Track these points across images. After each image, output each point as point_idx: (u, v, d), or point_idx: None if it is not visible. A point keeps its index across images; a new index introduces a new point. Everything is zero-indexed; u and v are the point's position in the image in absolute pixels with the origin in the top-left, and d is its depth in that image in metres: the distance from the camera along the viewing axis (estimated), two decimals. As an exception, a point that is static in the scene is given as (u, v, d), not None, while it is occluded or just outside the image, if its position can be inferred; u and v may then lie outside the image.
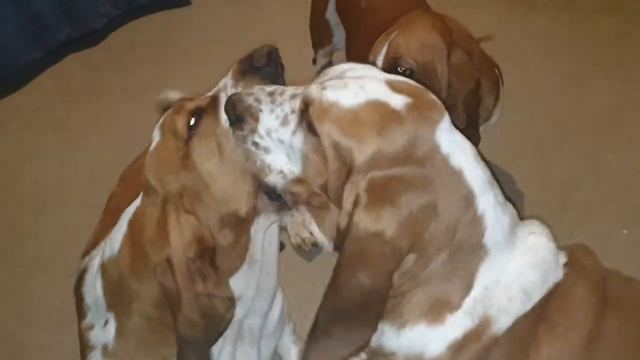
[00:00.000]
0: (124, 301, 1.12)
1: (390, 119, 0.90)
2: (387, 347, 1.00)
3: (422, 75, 1.50)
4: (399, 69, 1.50)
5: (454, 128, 0.96)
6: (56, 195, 2.09)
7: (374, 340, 0.99)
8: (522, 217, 1.08)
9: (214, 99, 1.11)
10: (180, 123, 1.08)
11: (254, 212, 1.08)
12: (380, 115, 0.90)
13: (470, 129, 1.57)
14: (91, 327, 1.18)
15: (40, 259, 1.88)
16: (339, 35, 2.11)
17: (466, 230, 0.93)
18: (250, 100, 0.99)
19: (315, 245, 1.78)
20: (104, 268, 1.15)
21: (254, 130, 0.99)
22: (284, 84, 1.10)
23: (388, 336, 1.00)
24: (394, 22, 1.62)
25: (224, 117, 1.05)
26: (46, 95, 2.55)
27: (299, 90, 0.98)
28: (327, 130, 0.91)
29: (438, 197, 0.90)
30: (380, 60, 1.54)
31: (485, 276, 0.96)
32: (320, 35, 2.20)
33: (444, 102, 0.98)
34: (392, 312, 0.99)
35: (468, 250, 0.95)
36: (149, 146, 1.50)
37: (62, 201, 2.07)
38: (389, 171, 0.89)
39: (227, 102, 1.01)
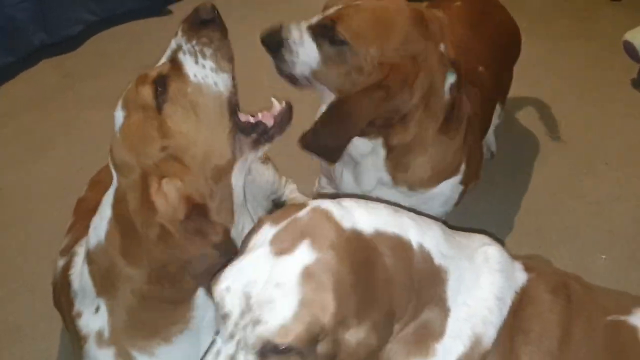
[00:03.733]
0: (115, 285, 1.10)
1: None
2: None
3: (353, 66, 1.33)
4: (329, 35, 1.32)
5: None
6: (21, 205, 2.02)
7: None
8: (469, 230, 1.10)
9: (174, 62, 1.13)
10: (147, 94, 1.09)
11: (234, 158, 1.12)
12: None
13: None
14: (79, 315, 1.17)
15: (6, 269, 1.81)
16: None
17: (425, 280, 0.94)
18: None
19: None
20: (90, 257, 1.14)
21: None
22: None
23: None
24: None
25: (191, 73, 1.10)
26: (16, 101, 2.48)
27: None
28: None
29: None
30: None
31: (457, 293, 0.96)
32: None
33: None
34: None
35: (429, 283, 0.95)
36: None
37: (27, 211, 1.99)
38: None
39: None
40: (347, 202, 0.94)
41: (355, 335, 0.85)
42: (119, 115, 1.12)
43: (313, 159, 1.47)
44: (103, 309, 1.13)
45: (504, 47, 1.89)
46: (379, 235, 0.90)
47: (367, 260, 0.88)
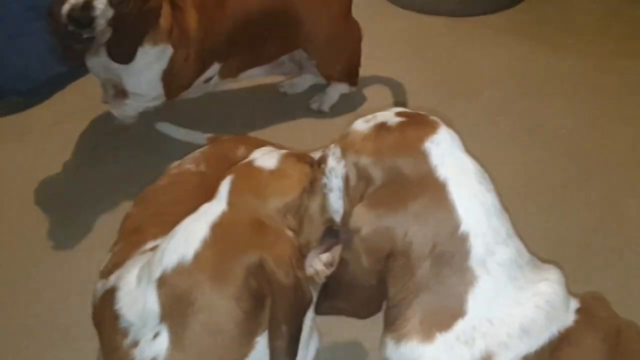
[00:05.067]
0: (186, 311, 1.06)
1: (384, 134, 1.04)
2: None
3: None
4: None
5: (456, 144, 1.04)
6: (69, 208, 2.09)
7: (382, 352, 1.05)
8: (542, 260, 1.07)
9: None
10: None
11: None
12: (376, 132, 1.05)
13: None
14: (135, 344, 1.10)
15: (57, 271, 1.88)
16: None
17: (446, 243, 0.96)
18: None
19: (330, 276, 1.75)
20: (163, 279, 1.09)
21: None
22: None
23: (390, 350, 1.01)
24: None
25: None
26: (67, 110, 2.57)
27: None
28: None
29: (413, 202, 0.97)
30: None
31: (478, 304, 0.95)
32: None
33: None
34: (392, 324, 1.01)
35: (453, 269, 0.96)
36: (169, 169, 1.59)
37: (73, 215, 2.06)
38: (384, 177, 1.01)
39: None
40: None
41: None
42: (275, 156, 1.20)
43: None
44: (164, 335, 1.07)
45: None
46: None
47: None
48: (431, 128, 1.03)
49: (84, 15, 1.74)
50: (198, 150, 1.70)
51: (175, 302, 1.07)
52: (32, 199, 2.14)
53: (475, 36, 3.06)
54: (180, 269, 1.08)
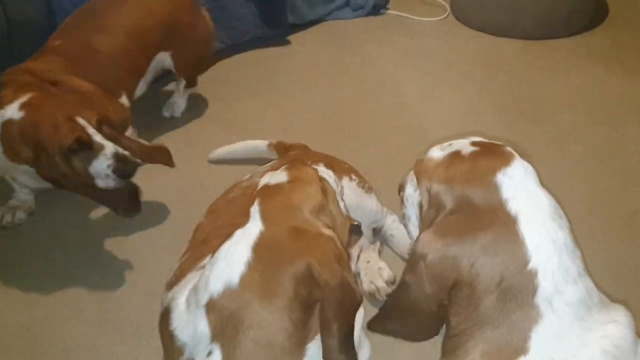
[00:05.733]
0: (237, 329, 1.10)
1: (457, 162, 1.05)
2: None
3: None
4: None
5: (530, 178, 1.02)
6: (145, 214, 2.17)
7: None
8: (608, 295, 1.05)
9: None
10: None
11: None
12: (450, 160, 1.06)
13: None
14: None
15: (129, 271, 1.98)
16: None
17: (513, 278, 0.95)
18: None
19: (390, 295, 1.77)
20: (211, 305, 1.12)
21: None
22: None
23: None
24: None
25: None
26: (146, 116, 2.68)
27: None
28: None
29: (483, 234, 0.96)
30: None
31: (542, 343, 0.94)
32: None
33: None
34: (451, 353, 1.00)
35: (518, 304, 0.95)
36: (241, 181, 1.58)
37: (150, 220, 2.16)
38: (454, 206, 1.01)
39: None
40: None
41: None
42: (281, 172, 1.25)
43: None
44: (217, 353, 1.11)
45: None
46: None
47: None
48: (505, 159, 1.03)
49: (128, 166, 1.86)
50: (269, 164, 1.77)
51: (225, 323, 1.11)
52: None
53: (549, 59, 3.03)
54: (227, 294, 1.11)
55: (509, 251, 0.96)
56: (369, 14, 3.52)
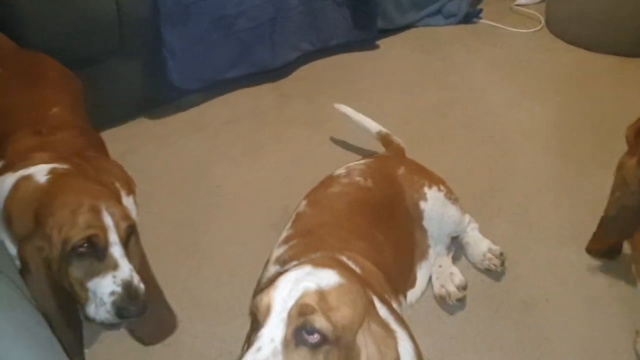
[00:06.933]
0: None
1: None
2: None
3: None
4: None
5: None
6: (232, 201, 2.32)
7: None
8: None
9: None
10: None
11: None
12: None
13: None
14: None
15: (213, 253, 2.08)
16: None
17: None
18: None
19: (460, 300, 1.80)
20: None
21: None
22: None
23: None
24: None
25: None
26: (238, 110, 2.85)
27: None
28: None
29: None
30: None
31: None
32: None
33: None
34: None
35: None
36: (338, 175, 1.75)
37: (235, 206, 2.28)
38: None
39: None
40: None
41: None
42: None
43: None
44: None
45: None
46: None
47: None
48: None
49: (135, 306, 1.40)
50: (362, 162, 1.85)
51: None
52: (198, 189, 2.39)
53: (643, 77, 2.93)
54: None
55: None
56: (460, 22, 3.53)
